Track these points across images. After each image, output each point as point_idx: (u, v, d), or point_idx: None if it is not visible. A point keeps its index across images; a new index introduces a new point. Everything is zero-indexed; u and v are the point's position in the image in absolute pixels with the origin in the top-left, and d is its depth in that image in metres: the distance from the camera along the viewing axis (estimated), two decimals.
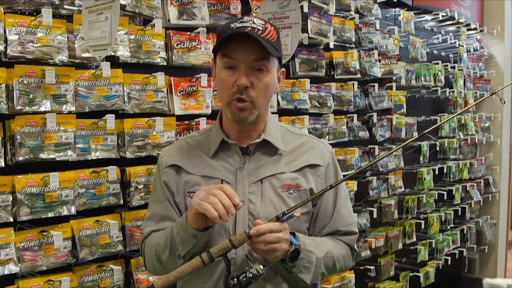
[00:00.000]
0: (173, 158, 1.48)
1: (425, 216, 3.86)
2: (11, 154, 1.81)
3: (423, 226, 3.82)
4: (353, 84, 3.13)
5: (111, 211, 2.06)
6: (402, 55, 3.55)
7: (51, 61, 1.86)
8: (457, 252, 4.34)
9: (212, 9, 2.36)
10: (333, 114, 2.96)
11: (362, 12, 3.20)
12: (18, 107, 1.78)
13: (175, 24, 2.22)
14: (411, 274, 3.71)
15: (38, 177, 1.83)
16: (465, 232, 4.46)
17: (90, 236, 1.95)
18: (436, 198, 3.98)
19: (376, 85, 3.30)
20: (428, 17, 4.02)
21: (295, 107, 2.74)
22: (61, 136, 1.87)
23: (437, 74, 3.95)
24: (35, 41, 1.81)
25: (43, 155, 1.83)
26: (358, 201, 3.21)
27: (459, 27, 4.37)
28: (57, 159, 1.86)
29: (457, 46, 4.30)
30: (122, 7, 1.99)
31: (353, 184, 3.06)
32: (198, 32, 2.29)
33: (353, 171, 3.01)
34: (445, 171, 4.18)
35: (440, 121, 3.99)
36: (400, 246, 3.55)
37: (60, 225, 1.90)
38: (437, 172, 3.99)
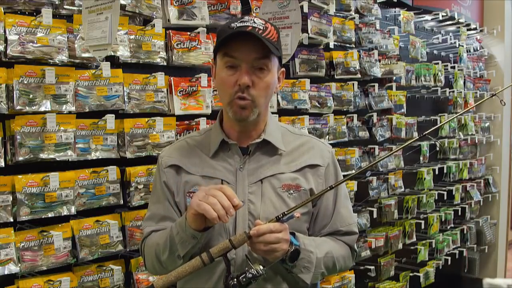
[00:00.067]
0: (173, 158, 1.48)
1: (425, 216, 3.86)
2: (11, 154, 1.81)
3: (423, 226, 3.82)
4: (353, 84, 3.13)
5: (111, 211, 2.06)
6: (402, 55, 3.55)
7: (51, 61, 1.86)
8: (457, 252, 4.34)
9: (212, 9, 2.36)
10: (333, 114, 2.96)
11: (362, 12, 3.20)
12: (18, 107, 1.78)
13: (175, 24, 2.22)
14: (411, 274, 3.71)
15: (38, 177, 1.83)
16: (465, 232, 4.46)
17: (90, 236, 1.95)
18: (436, 198, 3.98)
19: (376, 85, 3.30)
20: (428, 17, 4.02)
21: (295, 107, 2.74)
22: (61, 136, 1.87)
23: (437, 74, 3.95)
24: (35, 41, 1.81)
25: (43, 155, 1.83)
26: (358, 201, 3.21)
27: (459, 27, 4.37)
28: (57, 159, 1.86)
29: (457, 46, 4.30)
30: (122, 7, 1.99)
31: (353, 184, 3.06)
32: (198, 32, 2.29)
33: (354, 172, 3.01)
34: (445, 171, 4.18)
35: (440, 121, 3.99)
36: (400, 246, 3.55)
37: (60, 225, 1.90)
38: (437, 172, 3.99)
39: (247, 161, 1.42)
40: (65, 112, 1.89)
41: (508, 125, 4.87)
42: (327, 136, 2.93)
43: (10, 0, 1.79)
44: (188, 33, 2.26)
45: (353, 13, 3.13)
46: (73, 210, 1.89)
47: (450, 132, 4.20)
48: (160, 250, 1.38)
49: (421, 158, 3.88)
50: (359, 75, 3.12)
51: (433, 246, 3.96)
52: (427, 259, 3.88)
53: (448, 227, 4.24)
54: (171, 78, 2.21)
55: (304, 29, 2.72)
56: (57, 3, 1.88)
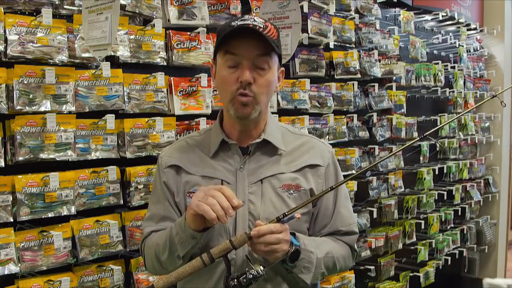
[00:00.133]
0: (173, 158, 1.48)
1: (425, 216, 3.86)
2: (11, 154, 1.81)
3: (423, 226, 3.82)
4: (353, 84, 3.13)
5: (111, 211, 2.06)
6: (402, 55, 3.55)
7: (51, 61, 1.86)
8: (457, 252, 4.34)
9: (212, 9, 2.36)
10: (333, 114, 2.96)
11: (362, 12, 3.20)
12: (18, 107, 1.77)
13: (175, 24, 2.22)
14: (411, 274, 3.71)
15: (38, 177, 1.82)
16: (465, 232, 4.46)
17: (90, 236, 1.95)
18: (436, 198, 3.98)
19: (376, 85, 3.30)
20: (428, 17, 4.02)
21: (295, 107, 2.74)
22: (61, 136, 1.87)
23: (437, 74, 3.95)
24: (35, 41, 1.81)
25: (43, 155, 1.83)
26: (358, 201, 3.21)
27: (459, 27, 4.37)
28: (57, 159, 1.86)
29: (457, 46, 4.30)
30: (122, 7, 1.99)
31: (353, 184, 3.06)
32: (198, 32, 2.29)
33: (355, 172, 3.01)
34: (445, 171, 4.18)
35: (440, 121, 4.00)
36: (400, 246, 3.55)
37: (60, 225, 1.90)
38: (437, 172, 3.99)
39: (247, 161, 1.42)
40: (65, 112, 1.89)
41: (508, 125, 4.87)
42: (327, 136, 2.93)
43: (10, 0, 1.79)
44: (188, 33, 2.26)
45: (353, 13, 3.13)
46: (73, 210, 1.89)
47: (450, 132, 4.20)
48: (160, 250, 1.38)
49: (421, 158, 3.88)
50: (359, 75, 3.12)
51: (433, 246, 3.96)
52: (427, 259, 3.88)
53: (448, 227, 4.24)
54: (171, 78, 2.21)
55: (304, 29, 2.72)
56: (57, 3, 1.88)
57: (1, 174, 1.78)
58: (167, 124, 2.17)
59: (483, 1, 4.83)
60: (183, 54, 2.23)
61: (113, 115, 2.03)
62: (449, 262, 4.17)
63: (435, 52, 4.21)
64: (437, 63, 4.00)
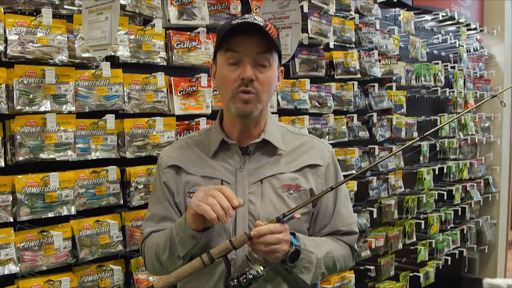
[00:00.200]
0: (173, 159, 1.48)
1: (425, 216, 3.86)
2: (11, 154, 1.81)
3: (423, 226, 3.82)
4: (353, 84, 3.13)
5: (111, 211, 2.06)
6: (402, 55, 3.55)
7: (51, 61, 1.86)
8: (457, 252, 4.34)
9: (212, 9, 2.36)
10: (333, 114, 2.96)
11: (362, 12, 3.20)
12: (18, 107, 1.77)
13: (175, 24, 2.22)
14: (411, 274, 3.71)
15: (38, 177, 1.82)
16: (465, 232, 4.46)
17: (90, 236, 1.95)
18: (436, 198, 3.98)
19: (376, 85, 3.30)
20: (428, 17, 4.02)
21: (295, 107, 2.74)
22: (61, 136, 1.87)
23: (437, 74, 3.95)
24: (35, 41, 1.81)
25: (43, 155, 1.83)
26: (358, 201, 3.21)
27: (459, 27, 4.37)
28: (57, 159, 1.86)
29: (457, 46, 4.30)
30: (122, 7, 1.99)
31: (353, 184, 3.06)
32: (198, 32, 2.29)
33: (355, 173, 3.01)
34: (445, 171, 4.18)
35: (440, 121, 4.00)
36: (400, 246, 3.55)
37: (60, 225, 1.90)
38: (437, 172, 3.99)
39: (247, 161, 1.42)
40: (65, 112, 1.89)
41: (508, 125, 4.87)
42: (327, 136, 2.93)
43: (10, 0, 1.79)
44: (188, 33, 2.26)
45: (353, 13, 3.13)
46: (73, 210, 1.89)
47: (450, 132, 4.20)
48: (160, 251, 1.38)
49: (421, 158, 3.88)
50: (359, 75, 3.12)
51: (433, 246, 3.96)
52: (427, 259, 3.88)
53: (448, 227, 4.24)
54: (171, 78, 2.21)
55: (304, 29, 2.72)
56: (57, 3, 1.88)
57: (1, 174, 1.78)
58: (167, 124, 2.17)
59: (483, 1, 4.83)
60: (183, 54, 2.23)
61: (113, 115, 2.03)
62: (449, 262, 4.17)
63: (435, 52, 4.21)
64: (437, 63, 4.00)
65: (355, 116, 3.16)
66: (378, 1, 3.35)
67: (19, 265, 1.78)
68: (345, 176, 1.42)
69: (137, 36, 2.11)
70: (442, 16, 3.99)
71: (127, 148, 2.05)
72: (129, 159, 2.07)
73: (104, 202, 2.01)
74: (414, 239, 3.71)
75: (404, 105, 3.59)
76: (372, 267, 3.31)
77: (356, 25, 3.16)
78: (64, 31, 1.88)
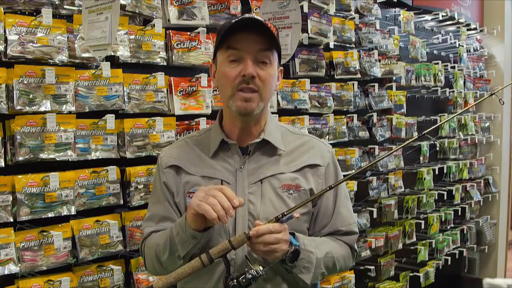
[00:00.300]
0: (173, 159, 1.48)
1: (425, 216, 3.86)
2: (11, 154, 1.81)
3: (423, 226, 3.82)
4: (353, 84, 3.13)
5: (111, 211, 2.06)
6: (402, 55, 3.55)
7: (51, 61, 1.86)
8: (457, 252, 4.34)
9: (212, 9, 2.36)
10: (333, 114, 2.96)
11: (362, 12, 3.20)
12: (18, 107, 1.78)
13: (175, 24, 2.23)
14: (411, 274, 3.71)
15: (38, 177, 1.83)
16: (465, 232, 4.46)
17: (90, 236, 1.95)
18: (436, 198, 3.98)
19: (376, 85, 3.30)
20: (428, 17, 4.02)
21: (295, 107, 2.74)
22: (61, 136, 1.87)
23: (437, 74, 3.95)
24: (35, 41, 1.81)
25: (43, 155, 1.83)
26: (358, 201, 3.21)
27: (459, 27, 4.37)
28: (57, 159, 1.86)
29: (457, 46, 4.30)
30: (122, 7, 1.99)
31: (353, 184, 3.06)
32: (198, 32, 2.29)
33: (354, 171, 3.01)
34: (445, 171, 4.18)
35: (440, 121, 3.99)
36: (400, 246, 3.55)
37: (60, 225, 1.90)
38: (437, 172, 3.99)
39: (246, 161, 1.42)
40: (65, 112, 1.90)
41: (508, 125, 4.87)
42: (327, 136, 2.93)
43: (10, 0, 1.79)
44: (188, 33, 2.26)
45: (353, 13, 3.13)
46: (73, 210, 1.89)
47: (450, 132, 4.20)
48: (160, 251, 1.38)
49: (421, 158, 3.88)
50: (359, 75, 3.12)
51: (433, 246, 3.96)
52: (427, 259, 3.88)
53: (448, 227, 4.24)
54: (171, 78, 2.21)
55: (304, 29, 2.72)
56: (57, 3, 1.88)
57: (1, 174, 1.78)
58: (167, 124, 2.17)
59: (483, 1, 4.83)
60: (183, 54, 2.23)
61: (113, 115, 2.03)
62: (449, 262, 4.17)
63: (435, 52, 4.21)
64: (437, 63, 4.00)
65: (355, 116, 3.17)
66: (378, 1, 3.35)
67: (19, 265, 1.78)
68: (345, 176, 1.41)
69: (137, 36, 2.11)
70: (442, 16, 3.99)
71: (127, 148, 2.05)
72: (129, 159, 2.07)
73: (104, 202, 2.01)
74: (414, 239, 3.71)
75: (404, 105, 3.59)
76: (372, 267, 3.31)
77: (356, 25, 3.16)
78: (64, 31, 1.88)
